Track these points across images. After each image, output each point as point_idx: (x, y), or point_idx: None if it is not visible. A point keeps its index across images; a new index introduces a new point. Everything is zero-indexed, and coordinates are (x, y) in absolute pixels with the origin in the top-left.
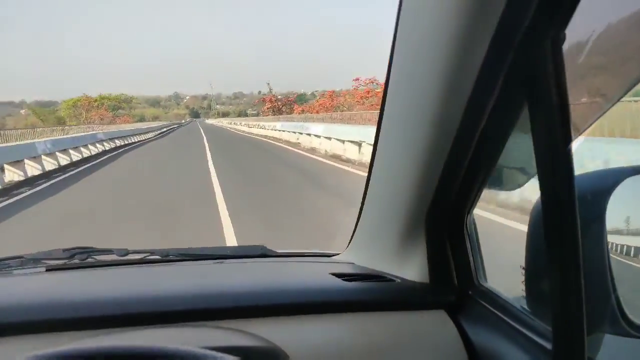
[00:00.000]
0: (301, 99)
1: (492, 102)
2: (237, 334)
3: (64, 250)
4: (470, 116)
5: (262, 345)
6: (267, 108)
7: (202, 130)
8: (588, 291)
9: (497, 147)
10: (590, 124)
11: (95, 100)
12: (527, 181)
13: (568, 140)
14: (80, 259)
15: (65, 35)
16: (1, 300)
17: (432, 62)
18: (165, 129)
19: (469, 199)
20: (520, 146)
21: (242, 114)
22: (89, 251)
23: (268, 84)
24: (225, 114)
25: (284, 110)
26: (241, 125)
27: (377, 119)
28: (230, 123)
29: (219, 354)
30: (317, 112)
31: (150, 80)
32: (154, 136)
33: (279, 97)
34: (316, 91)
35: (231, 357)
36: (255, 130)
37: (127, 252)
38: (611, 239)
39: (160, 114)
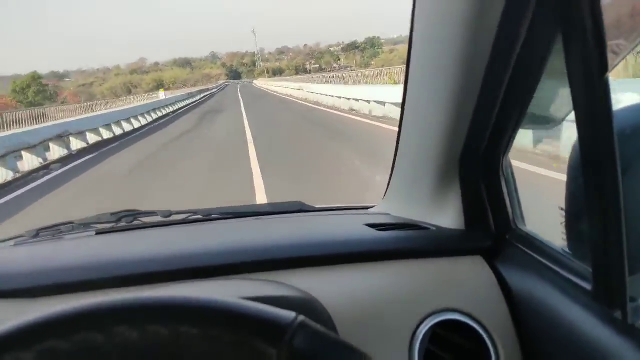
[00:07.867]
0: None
1: (523, 34)
2: (273, 285)
3: (112, 213)
4: (500, 51)
5: (298, 296)
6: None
7: None
8: (629, 230)
9: (530, 84)
10: (628, 52)
11: None
12: (564, 118)
13: (604, 69)
14: (127, 221)
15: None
16: (55, 262)
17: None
18: None
19: (504, 139)
20: (555, 81)
21: (299, 69)
22: (134, 214)
23: None
24: (278, 71)
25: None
26: None
27: None
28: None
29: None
30: None
31: (182, 40)
32: None
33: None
34: (377, 37)
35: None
36: None
37: (170, 213)
38: None
39: (183, 76)
